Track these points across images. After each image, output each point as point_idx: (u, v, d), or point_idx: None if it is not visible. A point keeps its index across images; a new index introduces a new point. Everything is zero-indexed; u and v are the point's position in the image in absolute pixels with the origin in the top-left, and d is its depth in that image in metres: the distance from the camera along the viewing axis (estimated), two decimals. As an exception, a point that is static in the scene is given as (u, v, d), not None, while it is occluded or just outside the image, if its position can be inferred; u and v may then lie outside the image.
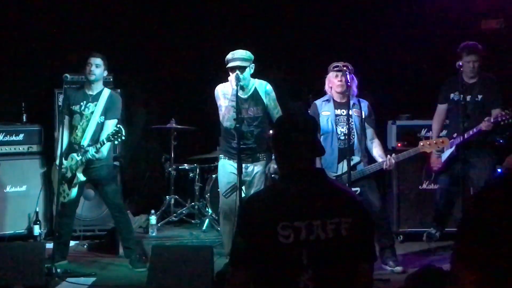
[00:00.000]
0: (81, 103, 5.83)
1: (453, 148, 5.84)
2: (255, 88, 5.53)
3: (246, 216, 2.60)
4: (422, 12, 7.65)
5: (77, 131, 5.81)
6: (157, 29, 7.92)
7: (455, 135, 5.84)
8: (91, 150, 5.63)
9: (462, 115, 5.63)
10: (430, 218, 6.49)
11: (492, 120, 5.64)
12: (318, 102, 5.72)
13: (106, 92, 5.89)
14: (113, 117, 5.84)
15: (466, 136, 5.66)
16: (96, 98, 5.84)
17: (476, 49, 5.78)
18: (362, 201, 2.73)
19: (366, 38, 7.86)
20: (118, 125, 5.60)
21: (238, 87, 5.24)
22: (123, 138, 5.55)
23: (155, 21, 7.94)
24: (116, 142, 5.61)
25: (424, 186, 6.70)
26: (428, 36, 7.59)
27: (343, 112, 5.57)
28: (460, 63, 5.72)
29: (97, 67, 5.80)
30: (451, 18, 7.47)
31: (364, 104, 5.63)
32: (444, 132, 6.28)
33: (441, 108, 6.10)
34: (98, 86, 5.90)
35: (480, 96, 5.82)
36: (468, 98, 5.76)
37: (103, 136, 5.69)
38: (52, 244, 5.79)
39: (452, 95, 5.97)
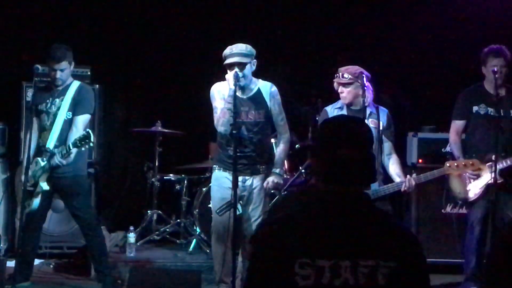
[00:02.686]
0: (47, 101, 5.82)
1: (496, 173, 5.54)
2: (259, 89, 5.49)
3: (259, 247, 2.41)
4: (454, 11, 7.67)
5: (45, 132, 5.78)
6: (142, 14, 7.94)
7: (493, 157, 5.56)
8: (57, 156, 5.60)
9: (497, 131, 5.49)
10: (454, 247, 6.41)
11: None
12: (329, 109, 5.61)
13: (75, 84, 5.87)
14: (82, 112, 5.78)
15: None
16: (63, 92, 5.81)
17: (504, 52, 5.73)
18: (419, 242, 2.39)
19: (386, 35, 7.83)
20: (87, 129, 5.55)
21: (237, 87, 5.24)
22: (91, 144, 5.52)
23: (140, 5, 7.97)
24: (83, 149, 5.55)
25: (448, 209, 6.54)
26: (458, 37, 7.58)
27: (357, 121, 5.57)
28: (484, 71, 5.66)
29: (63, 71, 5.77)
30: (485, 20, 7.52)
31: (383, 113, 5.55)
32: None
33: (460, 125, 5.96)
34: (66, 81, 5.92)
35: None
36: (497, 112, 5.65)
37: (71, 138, 5.66)
38: (13, 262, 5.75)
39: (476, 108, 5.83)
